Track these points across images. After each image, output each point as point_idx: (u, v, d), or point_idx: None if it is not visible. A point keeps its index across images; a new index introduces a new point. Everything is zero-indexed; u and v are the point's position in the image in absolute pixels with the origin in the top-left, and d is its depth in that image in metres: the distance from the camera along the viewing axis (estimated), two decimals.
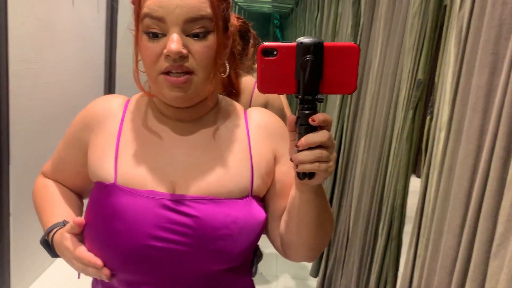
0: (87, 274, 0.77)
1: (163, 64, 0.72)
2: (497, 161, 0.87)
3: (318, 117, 0.62)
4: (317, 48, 0.62)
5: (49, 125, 2.03)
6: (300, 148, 0.63)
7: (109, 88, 2.63)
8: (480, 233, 0.90)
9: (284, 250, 0.83)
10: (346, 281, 2.03)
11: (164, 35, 0.72)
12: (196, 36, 0.72)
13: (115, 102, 0.85)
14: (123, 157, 0.79)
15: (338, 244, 2.23)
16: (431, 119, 1.28)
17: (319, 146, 0.63)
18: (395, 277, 1.61)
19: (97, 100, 0.86)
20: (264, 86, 0.65)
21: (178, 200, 0.75)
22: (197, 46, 0.73)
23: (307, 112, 0.63)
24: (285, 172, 0.83)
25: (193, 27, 0.72)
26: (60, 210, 0.87)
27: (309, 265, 2.77)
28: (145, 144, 0.80)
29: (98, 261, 0.75)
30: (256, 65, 0.79)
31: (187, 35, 0.72)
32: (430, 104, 1.30)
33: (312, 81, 0.63)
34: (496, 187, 0.87)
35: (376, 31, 1.94)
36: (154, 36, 0.72)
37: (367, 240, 1.81)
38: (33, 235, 2.23)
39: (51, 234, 0.82)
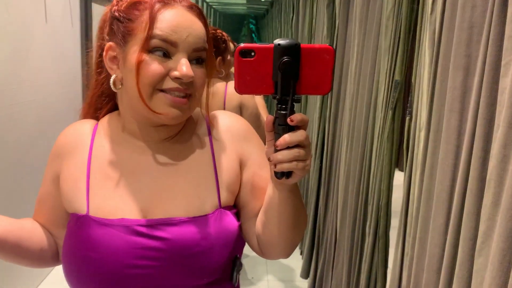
0: None
1: (168, 84, 0.75)
2: (476, 161, 0.89)
3: (296, 117, 0.64)
4: (294, 50, 0.63)
5: (30, 143, 2.00)
6: (278, 148, 0.65)
7: None
8: (464, 231, 0.92)
9: (261, 250, 0.85)
10: (336, 282, 2.05)
11: (169, 57, 0.75)
12: (196, 63, 0.78)
13: (83, 129, 0.85)
14: (94, 187, 0.80)
15: (326, 245, 2.26)
16: (410, 119, 1.31)
17: (297, 146, 0.65)
18: (385, 276, 1.64)
19: (67, 129, 0.87)
20: (242, 87, 0.66)
21: (148, 225, 0.76)
22: (197, 71, 0.77)
23: (284, 112, 0.64)
24: (254, 172, 0.85)
25: (195, 56, 0.77)
26: (17, 223, 0.84)
27: (298, 267, 2.79)
28: (114, 171, 0.81)
29: None
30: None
31: (190, 61, 0.77)
32: (408, 104, 1.33)
33: (289, 82, 0.64)
34: (476, 186, 0.89)
35: (351, 33, 1.97)
36: (164, 55, 0.75)
37: (355, 239, 1.84)
38: None
39: None
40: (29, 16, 1.93)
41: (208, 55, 0.80)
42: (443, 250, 1.02)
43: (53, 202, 0.86)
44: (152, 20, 0.74)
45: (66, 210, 0.83)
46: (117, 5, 0.78)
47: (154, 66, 0.74)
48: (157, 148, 0.82)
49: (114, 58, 0.78)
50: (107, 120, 0.86)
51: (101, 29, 0.83)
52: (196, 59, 0.77)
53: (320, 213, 2.42)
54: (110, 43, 0.78)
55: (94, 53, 0.86)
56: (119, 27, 0.77)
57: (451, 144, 1.01)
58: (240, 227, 0.83)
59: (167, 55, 0.75)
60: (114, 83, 0.78)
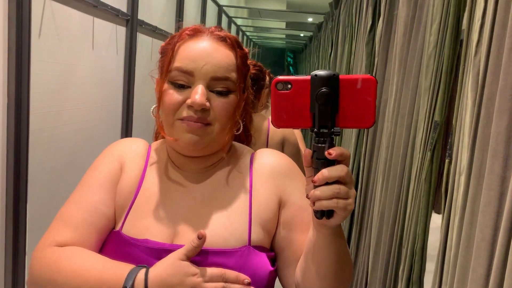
0: None
1: (184, 112, 0.76)
2: None
3: (335, 151, 0.60)
4: (332, 80, 0.61)
5: (66, 168, 2.06)
6: (317, 183, 0.61)
7: (126, 130, 2.67)
8: (508, 285, 0.86)
9: None
10: None
11: (189, 87, 0.76)
12: (219, 93, 0.77)
13: (140, 146, 0.87)
14: (136, 206, 0.81)
15: (356, 286, 2.17)
16: (450, 162, 1.26)
17: (337, 182, 0.61)
18: None
19: (121, 141, 0.89)
20: (279, 120, 0.64)
21: (170, 249, 0.74)
22: (218, 101, 0.77)
23: (323, 145, 0.61)
24: (294, 213, 0.80)
25: (217, 85, 0.77)
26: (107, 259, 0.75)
27: None
28: (156, 195, 0.82)
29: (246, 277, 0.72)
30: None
31: (211, 90, 0.77)
32: (448, 146, 1.28)
33: (328, 114, 0.61)
34: None
35: (390, 71, 1.95)
36: (181, 87, 0.77)
37: (386, 283, 1.76)
38: None
39: (140, 278, 0.69)
40: (77, 42, 2.02)
41: (238, 89, 0.79)
42: None
43: (109, 208, 0.80)
44: (173, 52, 0.77)
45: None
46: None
47: (171, 95, 0.76)
48: (196, 177, 0.83)
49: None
50: (158, 145, 0.88)
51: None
52: (218, 89, 0.77)
53: (352, 252, 2.34)
54: (157, 78, 0.83)
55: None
56: (160, 62, 0.82)
57: (494, 190, 0.96)
58: (275, 273, 0.79)
59: (186, 85, 0.76)
60: (152, 112, 0.81)
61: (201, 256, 0.74)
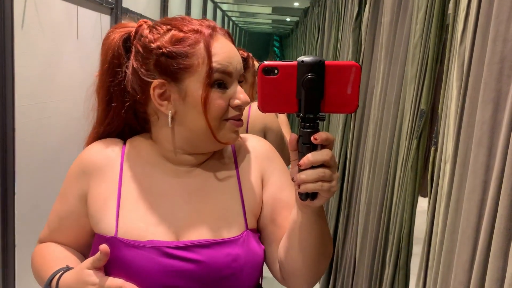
0: None
1: (231, 113, 0.78)
2: (504, 198, 0.87)
3: (320, 136, 0.62)
4: (318, 67, 0.62)
5: (53, 160, 2.04)
6: (302, 167, 0.63)
7: None
8: (491, 271, 0.89)
9: (283, 277, 0.82)
10: None
11: (227, 87, 0.79)
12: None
13: (110, 148, 0.84)
14: (124, 209, 0.79)
15: (344, 272, 2.21)
16: (435, 150, 1.28)
17: (322, 165, 0.63)
18: None
19: (92, 147, 0.85)
20: (265, 105, 0.65)
21: (180, 247, 0.76)
22: None
23: (309, 130, 0.63)
24: (274, 194, 0.84)
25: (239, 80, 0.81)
26: (65, 259, 0.82)
27: None
28: (146, 192, 0.81)
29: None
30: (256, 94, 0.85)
31: None
32: (434, 135, 1.30)
33: (314, 99, 0.63)
34: (505, 225, 0.86)
35: (377, 58, 1.96)
36: (224, 87, 0.78)
37: (374, 268, 1.80)
38: None
39: (55, 280, 0.77)
40: (61, 32, 1.99)
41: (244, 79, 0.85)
42: None
43: (78, 220, 0.84)
44: (210, 54, 0.76)
45: (90, 228, 0.82)
46: (154, 40, 0.77)
47: (219, 100, 0.77)
48: (188, 172, 0.83)
49: (163, 94, 0.78)
50: (137, 142, 0.86)
51: (119, 56, 0.81)
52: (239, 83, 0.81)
53: (339, 238, 2.38)
54: (161, 80, 0.77)
55: (100, 79, 0.84)
56: (171, 64, 0.76)
57: (479, 179, 0.98)
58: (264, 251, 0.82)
59: (225, 85, 0.78)
60: (172, 118, 0.78)
61: (210, 248, 0.76)
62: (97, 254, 0.73)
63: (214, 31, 0.79)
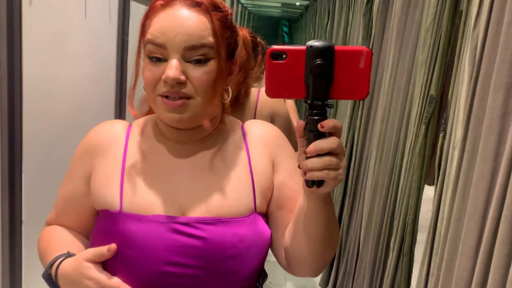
0: None
1: (162, 88, 0.73)
2: None
3: (327, 123, 0.61)
4: (327, 52, 0.60)
5: (61, 137, 2.05)
6: (308, 155, 0.62)
7: (120, 99, 2.64)
8: (496, 258, 0.89)
9: (288, 264, 0.81)
10: None
11: (165, 60, 0.73)
12: (197, 62, 0.73)
13: (117, 127, 0.85)
14: (128, 183, 0.79)
15: (348, 256, 2.22)
16: (444, 136, 1.27)
17: (329, 153, 0.62)
18: None
19: (98, 127, 0.86)
20: (272, 90, 0.63)
21: (186, 223, 0.75)
22: (196, 72, 0.73)
23: (316, 118, 0.61)
24: (283, 180, 0.83)
25: (193, 54, 0.73)
26: (68, 245, 0.83)
27: None
28: (150, 169, 0.80)
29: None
30: (264, 75, 0.79)
31: (188, 61, 0.73)
32: (443, 121, 1.29)
33: (322, 85, 0.61)
34: None
35: (387, 43, 1.93)
36: (157, 60, 0.74)
37: (378, 254, 1.80)
38: None
39: (55, 266, 0.77)
40: (69, 11, 1.98)
41: (217, 55, 0.75)
42: (472, 275, 0.99)
43: (81, 201, 0.84)
44: (144, 25, 0.75)
45: (94, 209, 0.82)
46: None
47: (146, 73, 0.74)
48: (192, 149, 0.82)
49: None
50: (143, 122, 0.86)
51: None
52: (196, 59, 0.73)
53: (344, 223, 2.38)
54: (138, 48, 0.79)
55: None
56: (140, 35, 0.78)
57: (488, 165, 0.97)
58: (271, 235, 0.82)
59: (162, 59, 0.73)
60: (144, 88, 0.79)
61: (216, 226, 0.75)
62: (102, 249, 0.73)
63: (171, 1, 0.75)
